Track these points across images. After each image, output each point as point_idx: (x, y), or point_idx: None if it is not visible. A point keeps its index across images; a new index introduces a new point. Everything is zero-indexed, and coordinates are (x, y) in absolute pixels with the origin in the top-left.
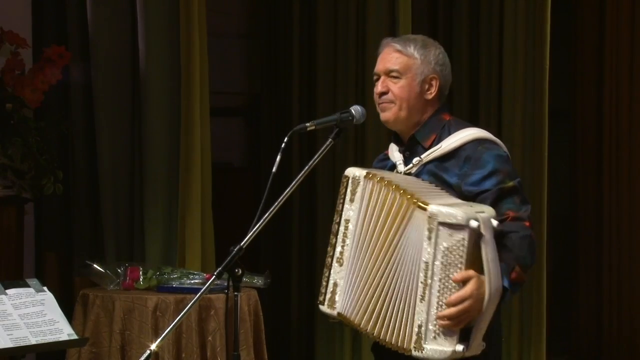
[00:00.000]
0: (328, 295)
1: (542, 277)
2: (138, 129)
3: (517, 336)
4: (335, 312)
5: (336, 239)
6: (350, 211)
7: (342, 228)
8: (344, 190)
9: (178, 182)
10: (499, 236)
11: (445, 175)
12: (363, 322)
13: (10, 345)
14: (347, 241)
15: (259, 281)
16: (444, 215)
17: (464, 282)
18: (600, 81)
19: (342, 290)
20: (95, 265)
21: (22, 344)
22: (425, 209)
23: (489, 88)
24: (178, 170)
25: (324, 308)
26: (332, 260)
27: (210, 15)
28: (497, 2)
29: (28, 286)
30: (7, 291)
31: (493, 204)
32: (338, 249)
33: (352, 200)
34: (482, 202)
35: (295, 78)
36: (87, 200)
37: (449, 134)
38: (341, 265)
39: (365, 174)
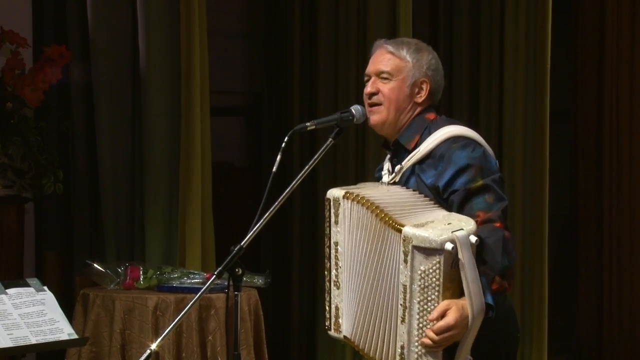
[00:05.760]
0: (333, 320)
1: (542, 277)
2: (138, 129)
3: None
4: (341, 336)
5: (330, 263)
6: (338, 234)
7: (333, 252)
8: (328, 213)
9: (178, 182)
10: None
11: (423, 176)
12: (361, 342)
13: (10, 344)
14: (340, 264)
15: (259, 281)
16: (418, 239)
17: (442, 315)
18: (601, 81)
19: (343, 313)
20: (95, 265)
21: (22, 343)
22: (400, 231)
23: (489, 88)
24: (178, 170)
25: (332, 333)
26: (330, 285)
27: (210, 14)
28: (497, 2)
29: (28, 286)
30: (8, 291)
31: (461, 205)
32: (333, 272)
33: (337, 223)
34: (451, 204)
35: (296, 77)
36: (87, 200)
37: (430, 134)
38: (339, 288)
39: (343, 194)
